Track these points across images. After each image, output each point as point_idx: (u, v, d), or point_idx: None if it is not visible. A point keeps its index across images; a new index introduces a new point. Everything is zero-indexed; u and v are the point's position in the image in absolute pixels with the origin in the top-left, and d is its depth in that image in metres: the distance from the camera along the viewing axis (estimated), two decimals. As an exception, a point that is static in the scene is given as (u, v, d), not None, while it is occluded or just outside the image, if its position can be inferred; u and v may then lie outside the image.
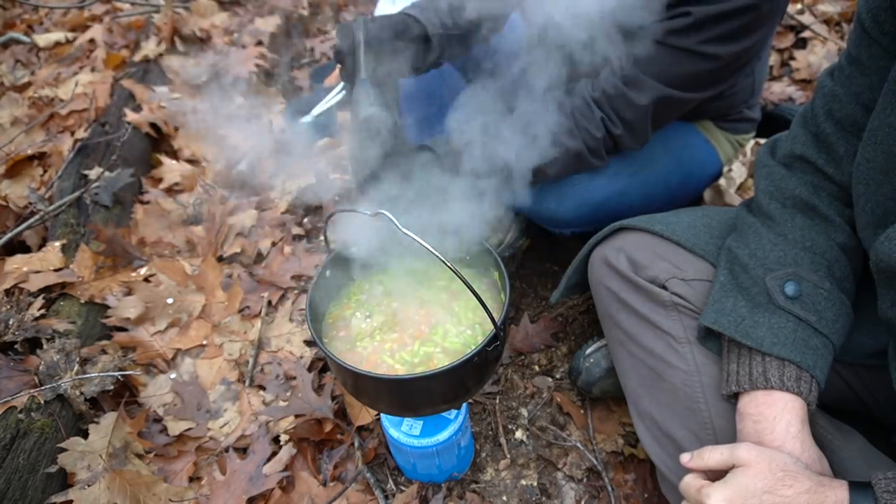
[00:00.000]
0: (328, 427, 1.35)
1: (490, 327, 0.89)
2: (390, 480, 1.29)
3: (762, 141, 1.60)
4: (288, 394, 1.41)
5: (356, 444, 1.32)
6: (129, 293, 1.57)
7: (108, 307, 1.53)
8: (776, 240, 0.91)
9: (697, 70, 1.17)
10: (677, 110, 1.28)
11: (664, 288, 1.00)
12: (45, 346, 1.35)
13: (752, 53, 1.20)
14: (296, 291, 1.67)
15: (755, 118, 1.57)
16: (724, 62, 1.16)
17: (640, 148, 1.32)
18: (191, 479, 1.28)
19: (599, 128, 1.23)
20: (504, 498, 1.26)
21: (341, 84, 1.92)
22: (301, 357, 1.48)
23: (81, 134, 1.98)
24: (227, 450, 1.31)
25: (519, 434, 1.37)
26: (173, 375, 1.46)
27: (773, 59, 2.37)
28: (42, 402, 1.25)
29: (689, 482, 0.81)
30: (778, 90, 2.21)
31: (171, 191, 1.95)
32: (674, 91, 1.19)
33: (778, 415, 0.81)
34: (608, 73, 1.25)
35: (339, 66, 1.25)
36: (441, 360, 1.00)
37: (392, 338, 1.04)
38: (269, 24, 2.64)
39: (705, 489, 0.76)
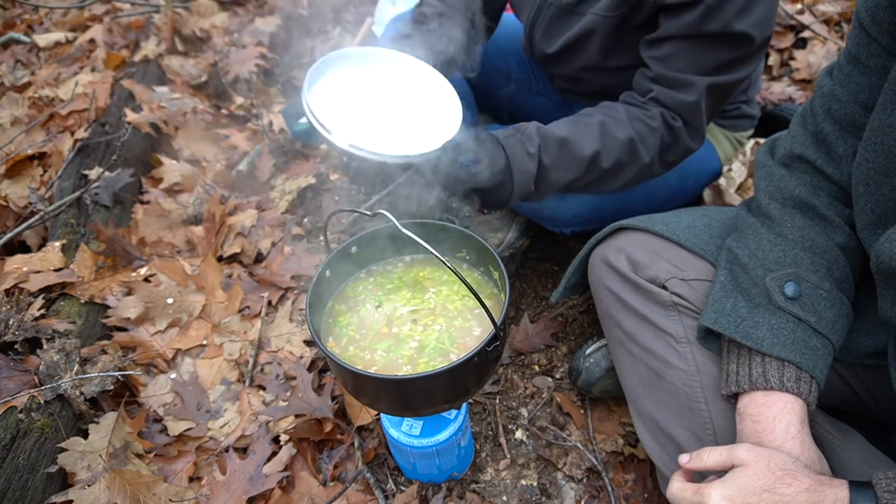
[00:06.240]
0: (328, 427, 1.35)
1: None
2: (390, 480, 1.29)
3: (762, 141, 1.60)
4: (288, 394, 1.41)
5: (356, 444, 1.32)
6: (129, 293, 1.57)
7: (108, 307, 1.53)
8: (776, 240, 0.91)
9: (733, 57, 1.13)
10: (728, 95, 1.23)
11: (664, 288, 1.00)
12: (45, 346, 1.35)
13: (772, 22, 1.16)
14: (296, 291, 1.67)
15: (753, 115, 1.56)
16: (757, 44, 1.12)
17: (699, 147, 1.26)
18: (191, 479, 1.28)
19: (656, 118, 1.19)
20: (504, 498, 1.26)
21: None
22: (301, 357, 1.48)
23: (81, 134, 1.98)
24: (227, 450, 1.31)
25: (519, 434, 1.37)
26: (173, 375, 1.46)
27: (773, 59, 2.37)
28: (42, 402, 1.25)
29: (682, 486, 0.80)
30: (778, 90, 2.21)
31: (171, 191, 1.95)
32: (718, 77, 1.15)
33: (778, 415, 0.81)
34: (642, 78, 1.21)
35: None
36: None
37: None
38: (269, 24, 2.64)
39: (705, 488, 0.76)
